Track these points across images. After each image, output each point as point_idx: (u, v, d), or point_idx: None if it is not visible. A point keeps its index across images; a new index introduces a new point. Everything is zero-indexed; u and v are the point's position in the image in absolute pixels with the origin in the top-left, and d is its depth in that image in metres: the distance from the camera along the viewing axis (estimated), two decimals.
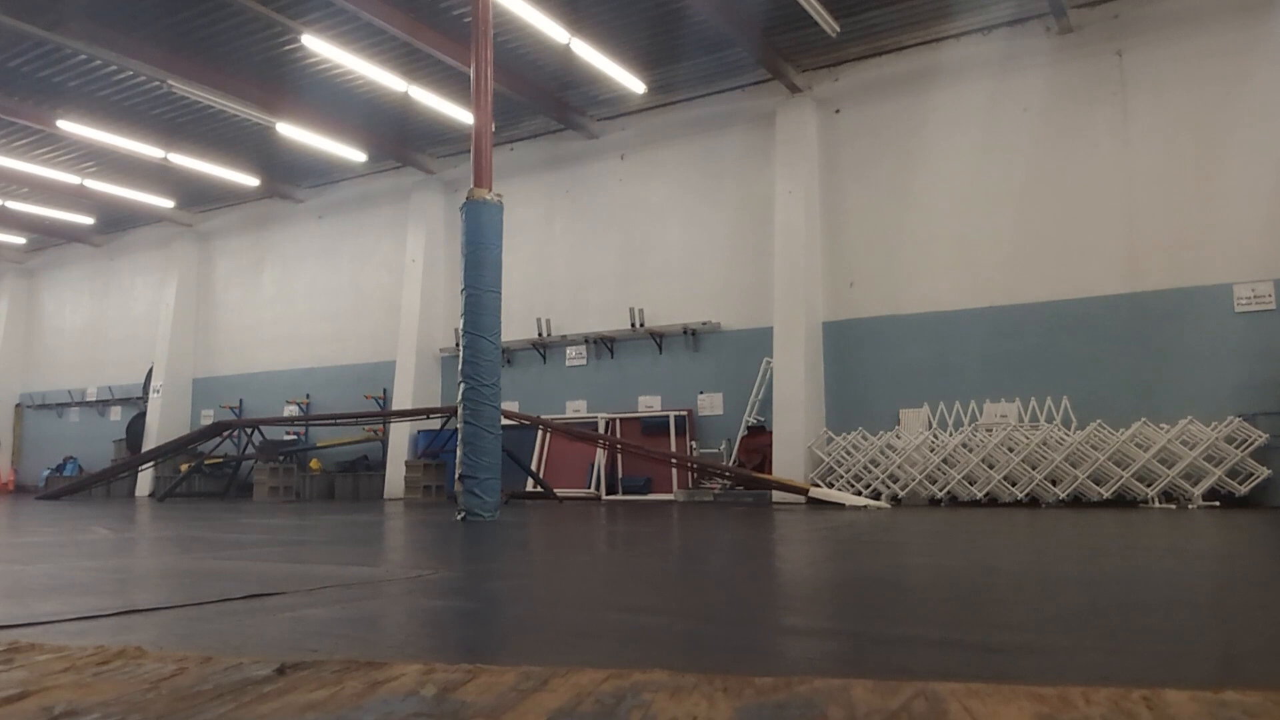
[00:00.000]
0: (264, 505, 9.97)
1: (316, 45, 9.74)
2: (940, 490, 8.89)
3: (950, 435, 9.10)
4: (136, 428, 15.55)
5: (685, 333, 11.15)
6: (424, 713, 0.94)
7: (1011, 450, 8.65)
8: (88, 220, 16.39)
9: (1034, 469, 8.46)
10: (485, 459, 6.40)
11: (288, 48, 10.21)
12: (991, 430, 8.87)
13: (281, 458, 12.35)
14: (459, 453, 6.46)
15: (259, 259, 15.49)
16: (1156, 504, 7.91)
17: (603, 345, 11.87)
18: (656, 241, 11.67)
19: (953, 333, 9.57)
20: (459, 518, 6.28)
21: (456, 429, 6.57)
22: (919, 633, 1.63)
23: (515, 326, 11.31)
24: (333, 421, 12.52)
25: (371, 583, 2.46)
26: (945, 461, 8.97)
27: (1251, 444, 7.84)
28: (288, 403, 14.37)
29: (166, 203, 15.09)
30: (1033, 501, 8.47)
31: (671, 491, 10.55)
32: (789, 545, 3.99)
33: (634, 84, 10.70)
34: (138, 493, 14.59)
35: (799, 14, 9.14)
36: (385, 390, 13.40)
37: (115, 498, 13.63)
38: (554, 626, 1.76)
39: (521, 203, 11.95)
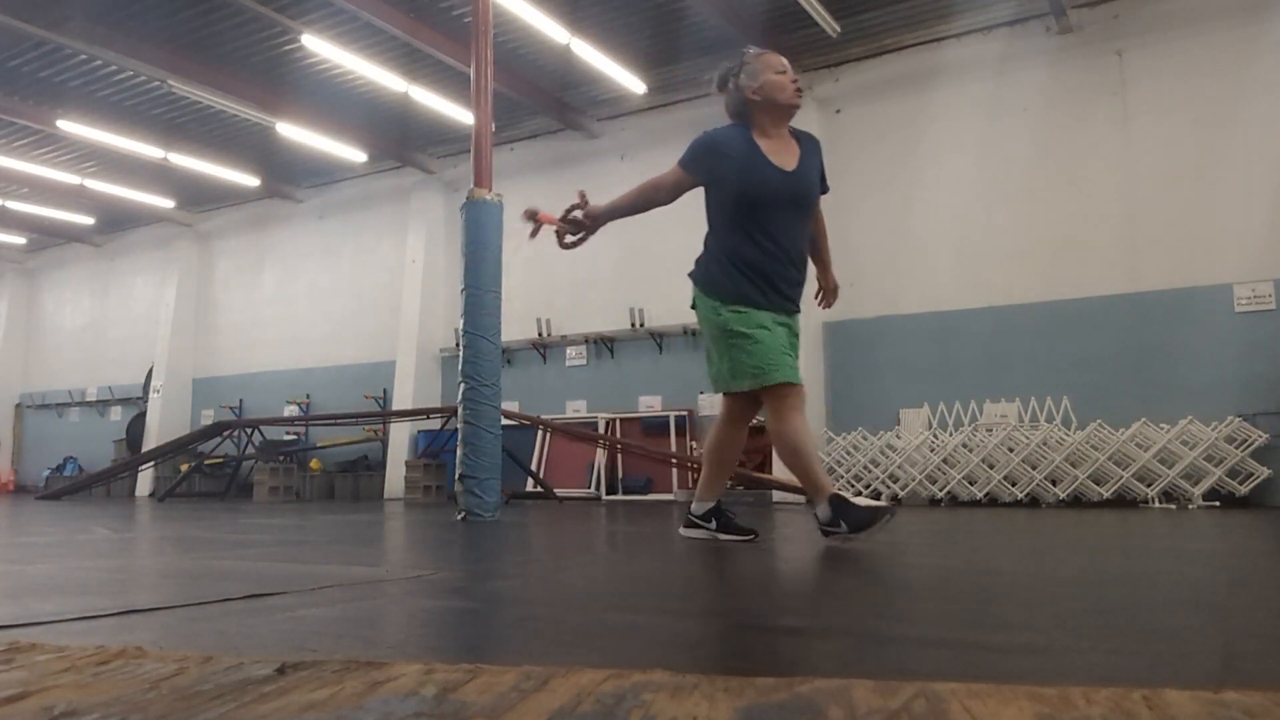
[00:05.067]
0: (264, 505, 9.97)
1: (316, 45, 9.75)
2: (940, 490, 8.88)
3: (950, 435, 9.10)
4: (136, 428, 15.55)
5: (685, 333, 11.14)
6: (424, 713, 0.94)
7: (1011, 450, 8.65)
8: (88, 220, 16.39)
9: (1034, 469, 8.46)
10: (485, 459, 6.39)
11: (288, 48, 10.22)
12: (991, 430, 8.87)
13: (282, 458, 12.35)
14: (459, 453, 6.46)
15: (259, 259, 15.50)
16: (1156, 504, 7.91)
17: (603, 345, 11.86)
18: (656, 241, 11.64)
19: (953, 333, 9.57)
20: (459, 518, 6.28)
21: (456, 429, 6.57)
22: (919, 633, 1.63)
23: (515, 326, 11.30)
24: (333, 421, 12.52)
25: (371, 583, 2.46)
26: (945, 461, 8.97)
27: (1251, 444, 7.84)
28: (288, 403, 14.37)
29: (167, 203, 15.09)
30: (1033, 501, 8.47)
31: (672, 492, 10.54)
32: (789, 545, 3.99)
33: (634, 84, 10.70)
34: (138, 493, 14.59)
35: (799, 14, 9.15)
36: (385, 390, 13.40)
37: (115, 498, 13.63)
38: (554, 626, 1.76)
39: (522, 202, 11.88)
